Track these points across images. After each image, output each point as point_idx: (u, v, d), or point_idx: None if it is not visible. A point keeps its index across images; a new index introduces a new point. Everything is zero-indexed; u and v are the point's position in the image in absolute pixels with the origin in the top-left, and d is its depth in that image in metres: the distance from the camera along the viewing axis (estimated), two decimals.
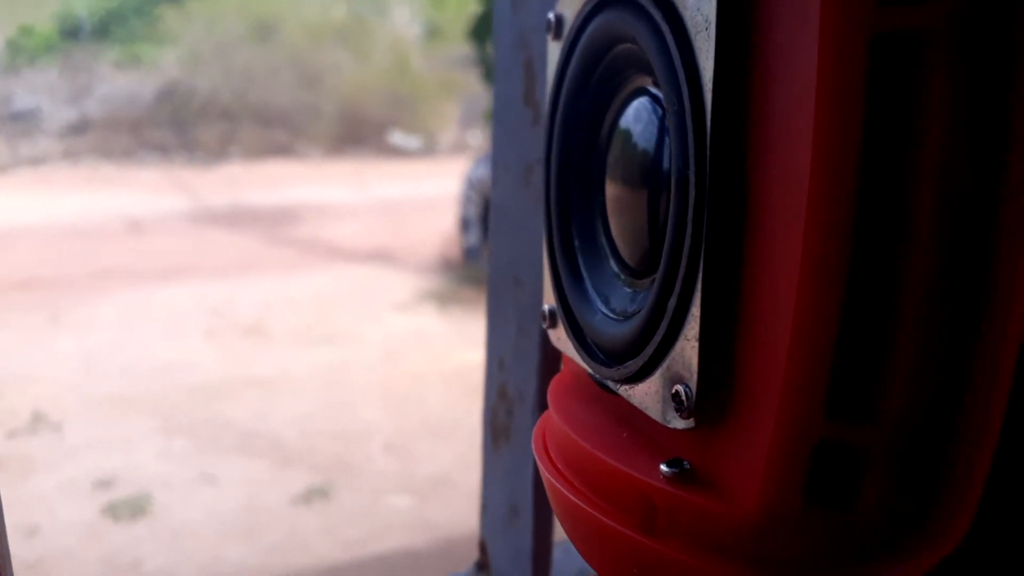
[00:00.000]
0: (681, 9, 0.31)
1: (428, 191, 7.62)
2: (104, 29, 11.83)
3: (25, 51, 11.04)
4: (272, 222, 6.95)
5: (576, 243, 0.41)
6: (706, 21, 0.29)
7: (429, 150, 10.32)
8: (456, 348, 3.96)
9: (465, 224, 5.69)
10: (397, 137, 10.45)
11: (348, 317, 4.51)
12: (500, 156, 0.69)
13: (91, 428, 3.09)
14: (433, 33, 12.02)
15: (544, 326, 0.45)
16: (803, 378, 0.27)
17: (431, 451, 2.94)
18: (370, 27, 12.19)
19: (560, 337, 0.43)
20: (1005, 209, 0.27)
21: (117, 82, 10.65)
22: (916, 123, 0.26)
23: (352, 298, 4.91)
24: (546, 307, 0.44)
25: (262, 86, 10.85)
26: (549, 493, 0.40)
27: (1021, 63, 0.26)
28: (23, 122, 9.93)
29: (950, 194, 0.27)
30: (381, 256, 5.95)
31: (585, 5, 0.39)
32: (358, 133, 10.54)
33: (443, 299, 4.89)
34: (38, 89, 10.37)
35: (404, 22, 12.42)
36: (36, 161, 9.19)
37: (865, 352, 0.28)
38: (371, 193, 8.09)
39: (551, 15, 0.43)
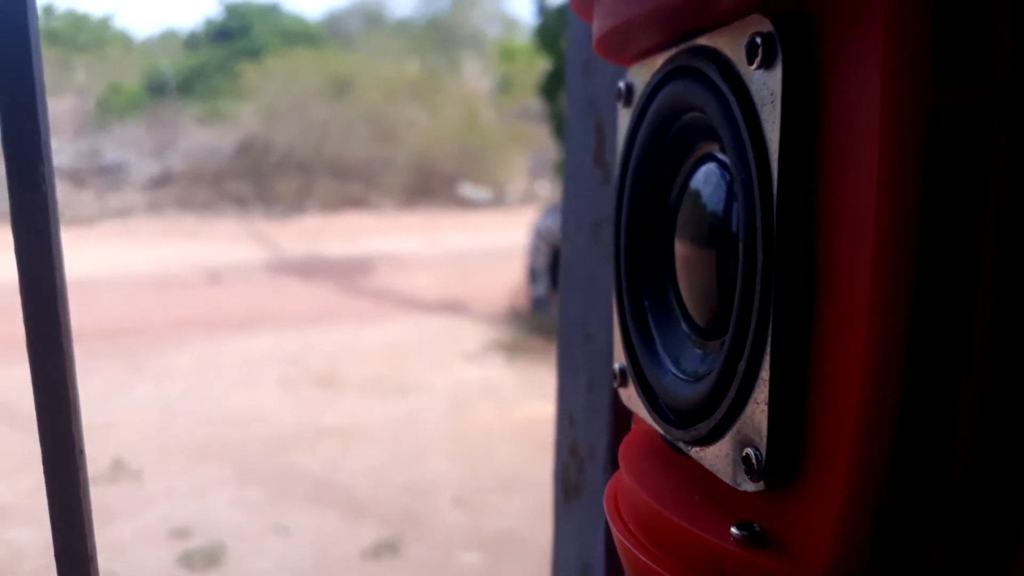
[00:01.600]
0: (748, 82, 0.31)
1: (497, 242, 7.68)
2: (188, 86, 12.31)
3: (114, 108, 11.53)
4: (346, 273, 7.07)
5: (646, 304, 0.42)
6: (772, 94, 0.30)
7: (498, 201, 10.43)
8: (524, 399, 3.96)
9: (533, 275, 5.70)
10: (467, 189, 10.59)
11: (418, 367, 4.54)
12: (570, 214, 0.70)
13: (168, 476, 3.15)
14: (503, 87, 12.23)
15: (615, 385, 0.45)
16: (869, 443, 0.27)
17: (500, 505, 2.92)
18: (442, 82, 12.44)
19: (631, 396, 0.43)
20: None
21: (199, 136, 11.04)
22: (977, 194, 0.26)
23: (422, 348, 4.95)
24: (616, 366, 0.44)
25: (337, 140, 11.12)
26: (621, 553, 0.40)
27: None
28: (110, 176, 10.34)
29: (1012, 263, 0.27)
30: (451, 306, 6.00)
31: (654, 76, 0.39)
32: (430, 185, 10.72)
33: (511, 350, 4.90)
34: (125, 144, 10.81)
35: (475, 77, 12.66)
36: (121, 213, 9.55)
37: (930, 418, 0.27)
38: (442, 244, 8.18)
39: (621, 84, 0.44)
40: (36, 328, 0.38)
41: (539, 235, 5.58)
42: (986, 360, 0.27)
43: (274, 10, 13.94)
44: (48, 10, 13.73)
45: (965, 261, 0.27)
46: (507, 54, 12.40)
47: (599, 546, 0.68)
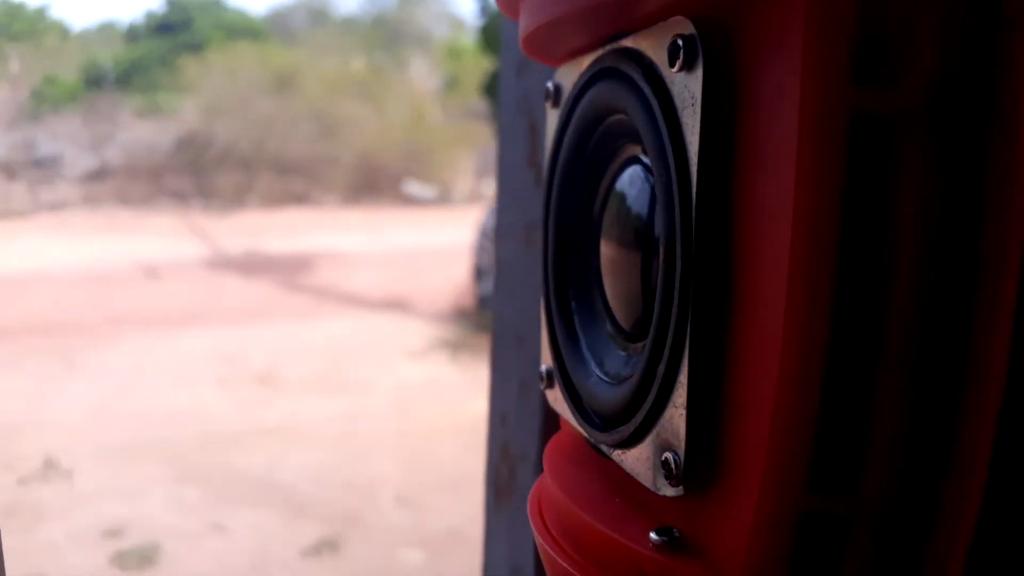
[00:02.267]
0: (669, 85, 0.31)
1: (443, 240, 7.66)
2: (127, 78, 12.06)
3: (50, 100, 11.25)
4: (287, 269, 6.99)
5: (573, 305, 0.42)
6: (692, 97, 0.30)
7: (444, 199, 10.41)
8: (469, 398, 3.95)
9: (479, 273, 5.70)
10: (412, 187, 10.54)
11: (361, 365, 4.51)
12: (504, 216, 0.70)
13: (102, 476, 3.08)
14: (450, 86, 12.20)
15: (541, 386, 0.45)
16: (786, 450, 0.28)
17: (443, 504, 2.91)
18: (388, 80, 12.37)
19: (557, 398, 0.43)
20: (981, 284, 0.27)
21: (137, 130, 10.83)
22: (894, 199, 0.27)
23: (366, 346, 4.91)
24: (543, 367, 0.44)
25: (280, 136, 11.00)
26: (542, 557, 0.40)
27: (995, 144, 0.26)
28: (45, 168, 10.09)
29: (928, 269, 0.27)
30: (395, 304, 5.96)
31: (581, 76, 0.39)
32: (374, 183, 10.65)
33: (456, 347, 4.89)
34: (60, 136, 10.55)
35: (421, 76, 12.61)
36: (56, 206, 9.32)
37: (847, 425, 0.28)
38: (386, 241, 8.14)
39: (550, 84, 0.44)
40: None
41: (484, 233, 5.58)
42: (902, 366, 0.27)
43: (217, 4, 13.73)
44: None
45: (882, 267, 0.27)
46: (453, 54, 12.37)
47: (529, 548, 0.68)
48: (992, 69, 0.26)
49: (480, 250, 5.66)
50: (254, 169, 10.51)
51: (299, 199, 10.19)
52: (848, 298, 0.27)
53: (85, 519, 2.75)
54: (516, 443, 0.69)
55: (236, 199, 10.02)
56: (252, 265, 7.12)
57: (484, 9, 5.95)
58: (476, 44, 7.59)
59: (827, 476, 0.28)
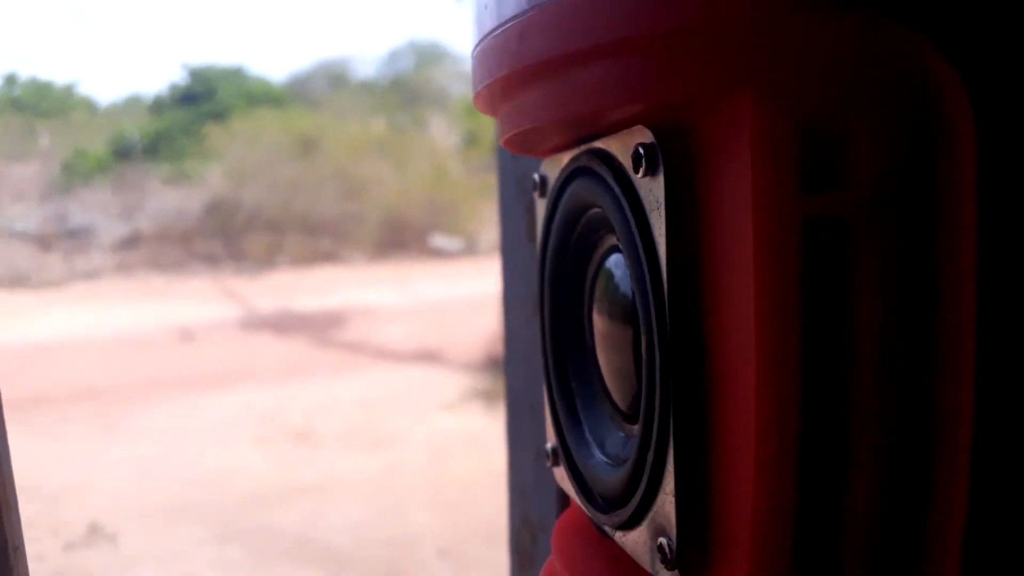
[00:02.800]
0: (637, 188, 0.34)
1: (471, 290, 7.67)
2: (154, 148, 12.29)
3: (80, 172, 11.47)
4: (319, 326, 7.02)
5: (573, 385, 0.43)
6: (657, 201, 0.32)
7: (470, 250, 10.44)
8: (504, 448, 3.92)
9: None
10: (438, 240, 10.60)
11: (396, 419, 4.50)
12: (509, 288, 0.71)
13: (146, 539, 3.08)
14: (469, 142, 12.31)
15: (548, 465, 0.46)
16: (768, 534, 0.29)
17: (486, 555, 2.88)
18: (408, 139, 12.51)
19: (563, 476, 0.44)
20: (940, 365, 0.28)
21: (166, 197, 10.99)
22: (851, 292, 0.28)
23: (400, 399, 4.91)
24: (548, 446, 0.46)
25: (306, 197, 11.12)
26: None
27: (940, 234, 0.28)
28: (78, 239, 10.24)
29: (888, 352, 0.28)
30: (427, 356, 5.96)
31: (562, 172, 0.41)
32: (400, 238, 10.72)
33: (490, 397, 4.87)
34: (92, 207, 10.73)
35: (441, 133, 12.74)
36: (90, 275, 9.43)
37: (826, 506, 0.29)
38: (415, 294, 8.16)
39: (536, 176, 0.46)
40: None
41: None
42: (874, 451, 0.29)
43: (238, 73, 14.00)
44: (11, 78, 13.71)
45: (845, 356, 0.28)
46: (471, 110, 12.48)
47: None
48: (932, 165, 0.28)
49: None
50: (282, 230, 10.61)
51: (328, 257, 10.26)
52: (817, 386, 0.28)
53: None
54: (535, 513, 0.69)
55: (266, 260, 10.10)
56: (284, 324, 7.15)
57: None
58: None
59: (807, 560, 0.29)
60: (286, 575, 2.77)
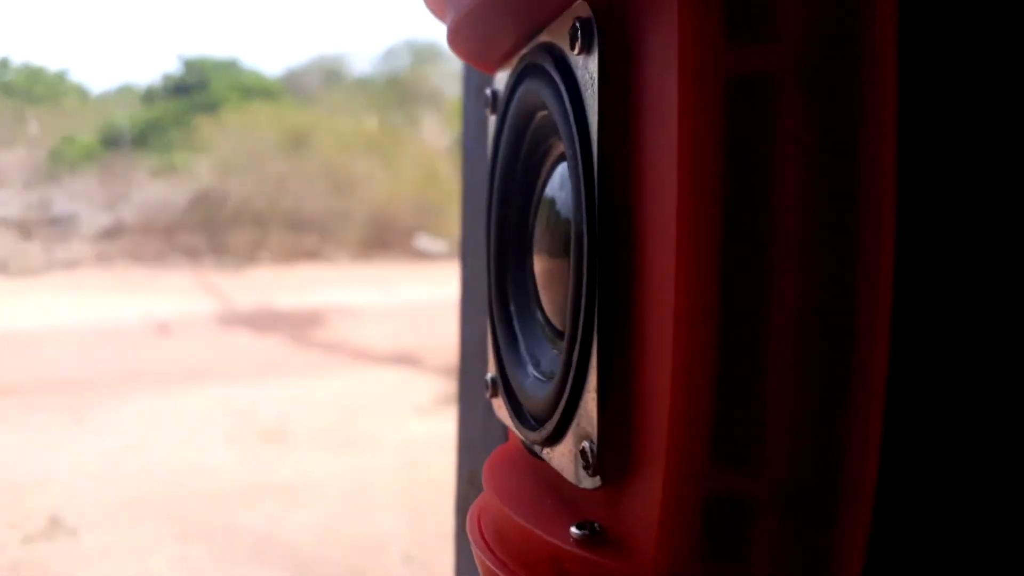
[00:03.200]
0: (575, 69, 0.33)
1: (452, 293, 7.67)
2: (143, 139, 12.25)
3: (67, 160, 11.43)
4: (298, 325, 7.01)
5: (512, 308, 0.42)
6: (591, 77, 0.32)
7: (454, 254, 10.45)
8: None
9: None
10: (423, 241, 10.61)
11: (370, 421, 4.49)
12: (468, 238, 0.70)
13: (107, 534, 3.06)
14: (460, 143, 12.34)
15: (487, 396, 0.45)
16: (686, 430, 0.28)
17: (450, 561, 2.87)
18: (400, 138, 12.52)
19: (500, 406, 0.43)
20: (861, 240, 0.27)
21: (152, 189, 10.96)
22: (773, 156, 0.27)
23: (375, 402, 4.90)
24: (488, 376, 0.45)
25: (293, 194, 11.11)
26: (478, 565, 0.40)
27: (864, 97, 0.27)
28: (60, 227, 10.20)
29: (810, 229, 0.27)
30: (405, 359, 5.96)
31: (511, 77, 0.41)
32: (386, 238, 10.72)
33: None
34: (77, 195, 10.69)
35: (433, 134, 12.76)
36: (70, 264, 9.40)
37: (745, 402, 0.28)
38: (397, 295, 8.16)
39: (488, 91, 0.45)
40: None
41: None
42: (792, 334, 0.27)
43: (233, 65, 13.97)
44: (3, 63, 13.65)
45: (766, 237, 0.27)
46: None
47: None
48: (858, 23, 0.27)
49: None
50: (267, 226, 10.59)
51: (311, 255, 10.25)
52: (737, 264, 0.27)
53: None
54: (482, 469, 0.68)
55: (249, 256, 10.08)
56: (263, 321, 7.14)
57: None
58: None
59: (729, 456, 0.28)
60: (248, 574, 2.76)
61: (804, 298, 0.27)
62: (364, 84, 14.49)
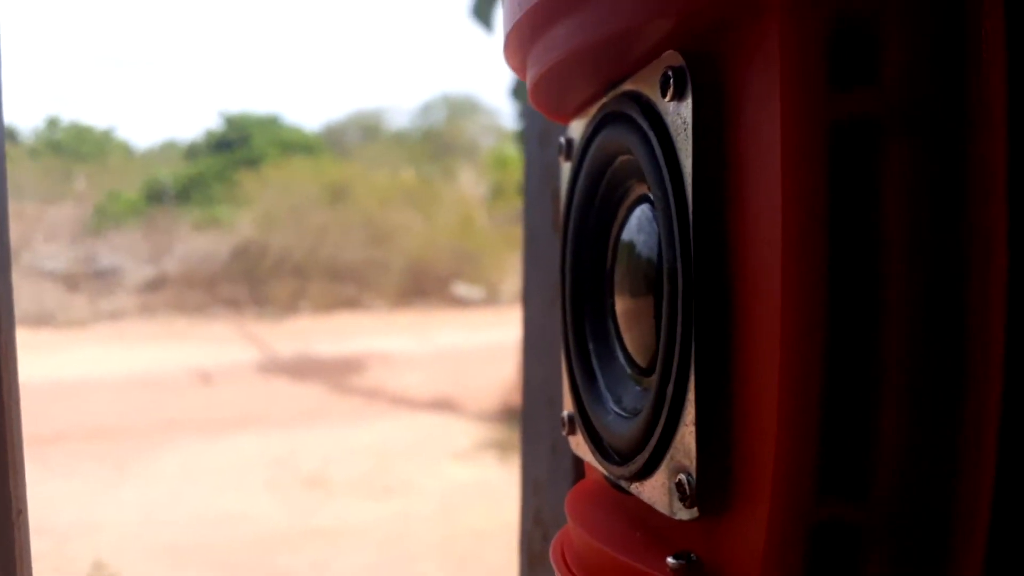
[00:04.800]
0: (664, 115, 0.33)
1: (490, 339, 7.67)
2: (186, 194, 12.48)
3: (112, 215, 11.65)
4: (338, 372, 7.03)
5: (591, 345, 0.43)
6: (684, 123, 0.32)
7: (491, 300, 10.47)
8: (517, 500, 3.88)
9: None
10: (461, 288, 10.64)
11: (409, 467, 4.48)
12: (531, 281, 0.70)
13: None
14: (496, 193, 12.40)
15: (564, 433, 0.45)
16: (793, 460, 0.27)
17: None
18: (437, 189, 12.63)
19: (579, 443, 0.44)
20: (972, 276, 0.27)
21: (195, 242, 11.13)
22: (879, 200, 0.27)
23: (414, 448, 4.89)
24: (565, 413, 0.45)
25: (333, 244, 11.22)
26: None
27: (973, 136, 0.27)
28: (105, 280, 10.37)
29: (918, 268, 0.27)
30: (443, 405, 5.94)
31: (589, 125, 0.42)
32: (423, 286, 10.77)
33: (504, 448, 4.83)
34: (121, 249, 10.88)
35: (469, 184, 12.86)
36: (114, 316, 9.54)
37: (852, 431, 0.27)
38: (435, 342, 8.17)
39: (562, 139, 0.46)
40: None
41: None
42: (901, 367, 0.27)
43: (274, 121, 14.22)
44: (52, 122, 14.03)
45: (874, 269, 0.27)
46: (499, 163, 12.61)
47: None
48: (963, 63, 0.27)
49: None
50: (307, 276, 10.69)
51: (350, 304, 10.31)
52: (843, 302, 0.27)
53: None
54: (548, 509, 0.68)
55: (289, 306, 10.17)
56: (303, 369, 7.17)
57: (521, 115, 6.09)
58: (517, 151, 7.76)
59: (836, 485, 0.28)
60: None
61: (913, 328, 0.27)
62: (401, 138, 14.68)
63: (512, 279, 11.00)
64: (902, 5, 0.27)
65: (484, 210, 12.22)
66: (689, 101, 0.31)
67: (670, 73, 0.32)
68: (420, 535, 3.52)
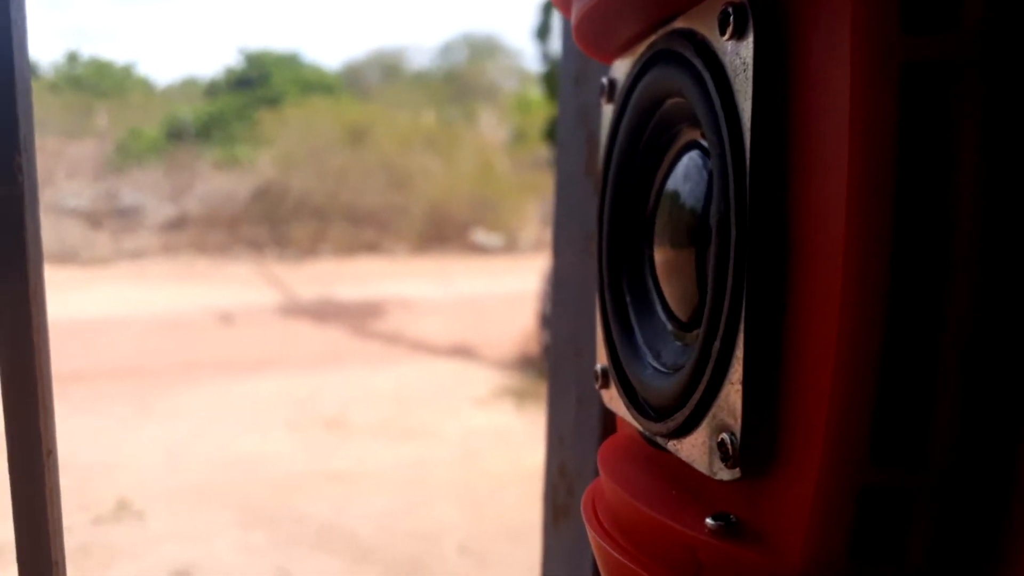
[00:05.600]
0: (721, 55, 0.31)
1: (509, 287, 7.69)
2: (206, 132, 12.48)
3: (133, 153, 11.69)
4: (358, 316, 7.08)
5: (628, 299, 0.41)
6: (744, 64, 0.30)
7: (511, 248, 10.48)
8: (534, 447, 3.92)
9: (545, 320, 5.69)
10: (480, 235, 10.64)
11: (428, 412, 4.52)
12: (562, 228, 0.69)
13: (172, 518, 3.13)
14: (518, 138, 12.33)
15: (597, 386, 0.44)
16: (845, 423, 0.26)
17: (506, 553, 2.88)
18: (457, 133, 12.57)
19: (612, 397, 0.42)
20: None
21: (216, 181, 11.16)
22: (952, 152, 0.25)
23: (432, 393, 4.93)
24: (598, 367, 0.44)
25: (353, 187, 11.22)
26: (597, 555, 0.39)
27: None
28: (127, 218, 10.45)
29: (989, 226, 0.26)
30: (462, 351, 5.98)
31: (635, 65, 0.39)
32: (443, 232, 10.78)
33: (522, 396, 4.87)
34: (142, 187, 10.94)
35: (490, 128, 12.78)
36: (136, 255, 9.62)
37: (909, 394, 0.26)
38: (454, 289, 8.20)
39: (604, 80, 0.44)
40: (7, 324, 0.36)
41: (550, 281, 5.57)
42: (965, 334, 0.26)
43: (293, 59, 14.15)
44: (72, 57, 14.00)
45: (941, 229, 0.26)
46: (522, 106, 12.52)
47: (588, 566, 0.66)
48: None
49: (546, 298, 5.65)
50: (327, 219, 10.72)
51: (370, 248, 10.35)
52: (908, 260, 0.26)
53: (154, 560, 2.80)
54: (574, 462, 0.68)
55: (310, 248, 10.22)
56: (324, 312, 7.23)
57: (546, 56, 6.00)
58: (541, 94, 7.67)
59: (889, 449, 0.26)
60: (308, 561, 2.79)
61: (980, 288, 0.26)
62: (422, 78, 14.58)
63: (531, 227, 10.99)
64: None
65: (505, 155, 12.16)
66: (750, 40, 0.29)
67: (730, 10, 0.30)
68: (438, 480, 3.57)
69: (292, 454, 3.84)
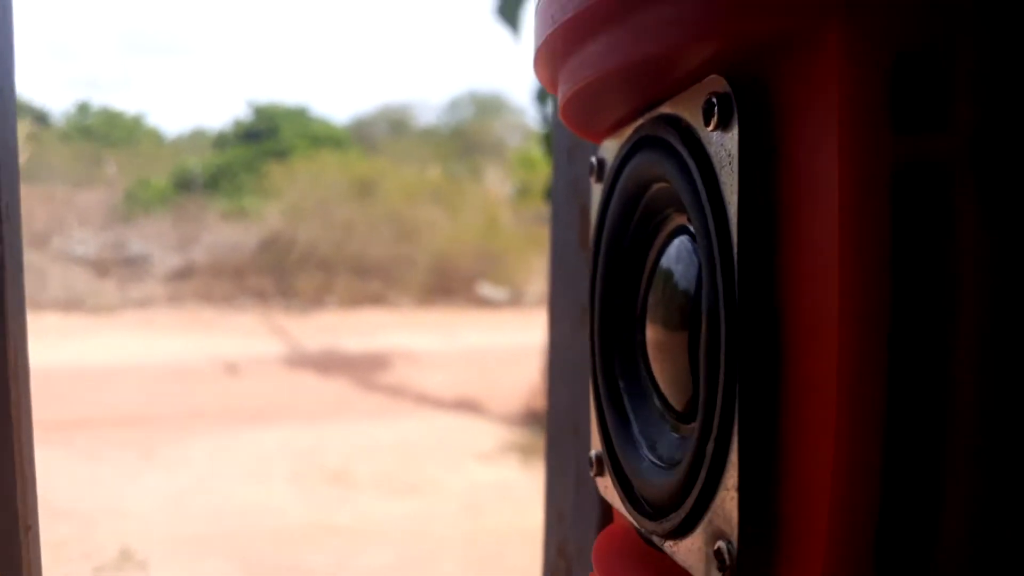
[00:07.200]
0: (707, 145, 0.31)
1: (514, 341, 7.65)
2: (214, 183, 12.54)
3: (142, 202, 11.73)
4: (363, 368, 7.04)
5: (621, 385, 0.40)
6: (729, 156, 0.29)
7: (516, 301, 10.46)
8: (538, 503, 3.87)
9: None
10: (485, 289, 10.64)
11: (432, 466, 4.48)
12: (557, 300, 0.68)
13: (174, 568, 3.09)
14: (522, 193, 12.39)
15: (591, 473, 0.42)
16: (847, 532, 0.26)
17: None
18: (463, 187, 12.63)
19: (607, 486, 0.41)
20: None
21: (223, 232, 11.18)
22: (945, 250, 0.25)
23: (437, 447, 4.89)
24: (593, 453, 0.42)
25: (359, 239, 11.25)
26: None
27: None
28: (133, 267, 10.45)
29: (990, 322, 0.25)
30: (467, 405, 5.94)
31: (623, 147, 0.39)
32: (448, 284, 10.77)
33: (527, 451, 4.83)
34: (150, 236, 10.95)
35: (495, 183, 12.85)
36: (142, 303, 9.60)
37: (913, 502, 0.26)
38: (459, 342, 8.17)
39: (593, 159, 0.43)
40: None
41: None
42: (972, 443, 0.25)
43: (302, 113, 14.25)
44: (83, 107, 14.15)
45: (939, 324, 0.25)
46: (526, 162, 12.59)
47: None
48: None
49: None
50: (333, 271, 10.73)
51: (376, 300, 10.33)
52: (906, 358, 0.25)
53: None
54: (573, 541, 0.67)
55: (315, 299, 10.21)
56: (329, 363, 7.19)
57: (546, 119, 6.09)
58: (542, 153, 7.74)
59: (894, 562, 0.26)
60: None
61: (985, 394, 0.25)
62: (429, 134, 14.68)
63: (536, 281, 10.99)
64: (974, 34, 0.25)
65: (510, 209, 12.21)
66: (735, 132, 0.29)
67: (714, 100, 0.30)
68: (442, 534, 3.53)
69: (294, 506, 3.80)
